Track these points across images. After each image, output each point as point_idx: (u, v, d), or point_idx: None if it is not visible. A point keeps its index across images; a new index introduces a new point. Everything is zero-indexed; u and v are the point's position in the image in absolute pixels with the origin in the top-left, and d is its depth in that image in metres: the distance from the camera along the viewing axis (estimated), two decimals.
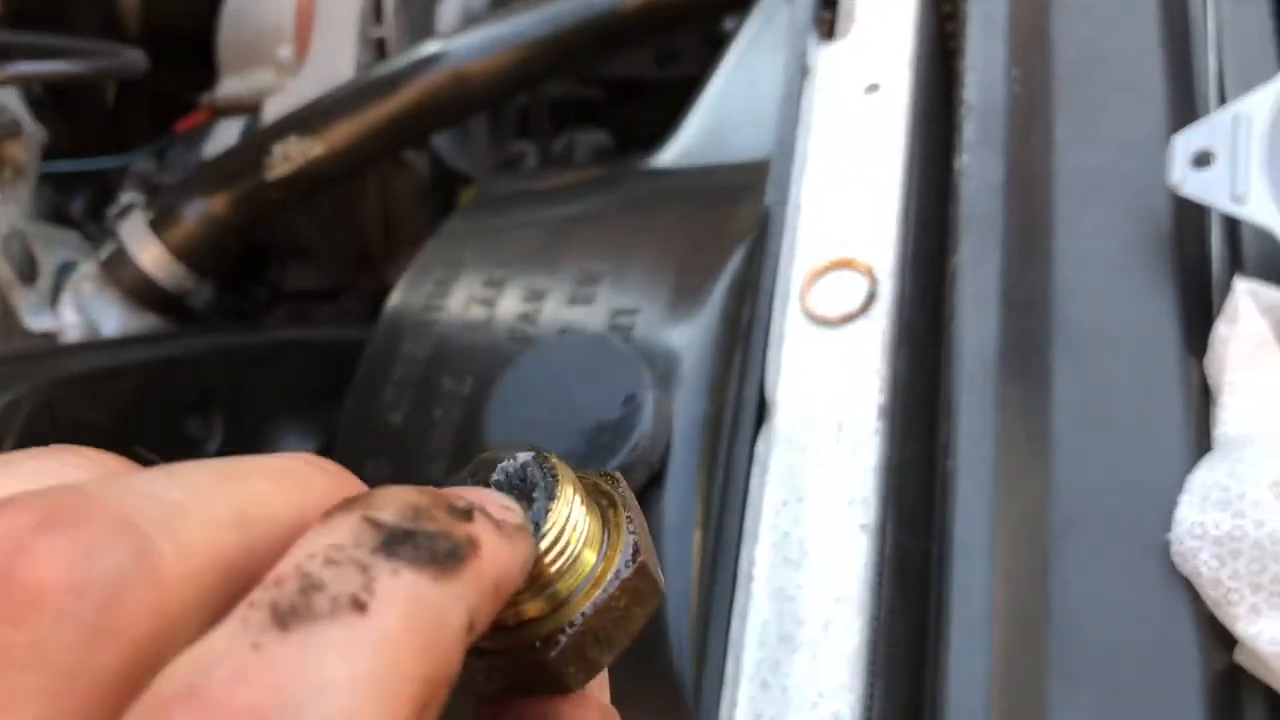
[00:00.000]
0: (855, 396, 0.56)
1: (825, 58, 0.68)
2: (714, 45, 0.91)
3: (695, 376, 0.57)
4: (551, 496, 0.25)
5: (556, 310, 0.61)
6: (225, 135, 0.99)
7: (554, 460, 0.26)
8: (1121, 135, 0.60)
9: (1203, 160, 0.56)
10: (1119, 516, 0.51)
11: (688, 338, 0.59)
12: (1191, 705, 0.48)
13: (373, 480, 0.63)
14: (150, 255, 0.78)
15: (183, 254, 0.79)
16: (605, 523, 0.27)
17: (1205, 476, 0.51)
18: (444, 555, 0.20)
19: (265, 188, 0.79)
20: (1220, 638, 0.49)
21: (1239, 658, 0.49)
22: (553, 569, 0.25)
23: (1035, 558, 0.51)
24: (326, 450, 0.64)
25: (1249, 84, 0.57)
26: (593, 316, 0.60)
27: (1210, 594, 0.48)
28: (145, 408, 0.69)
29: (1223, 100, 0.61)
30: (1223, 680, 0.50)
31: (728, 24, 0.97)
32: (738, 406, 0.58)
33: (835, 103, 0.66)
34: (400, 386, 0.60)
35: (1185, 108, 0.61)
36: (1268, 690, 0.49)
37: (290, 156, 0.77)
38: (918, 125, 0.63)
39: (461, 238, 0.69)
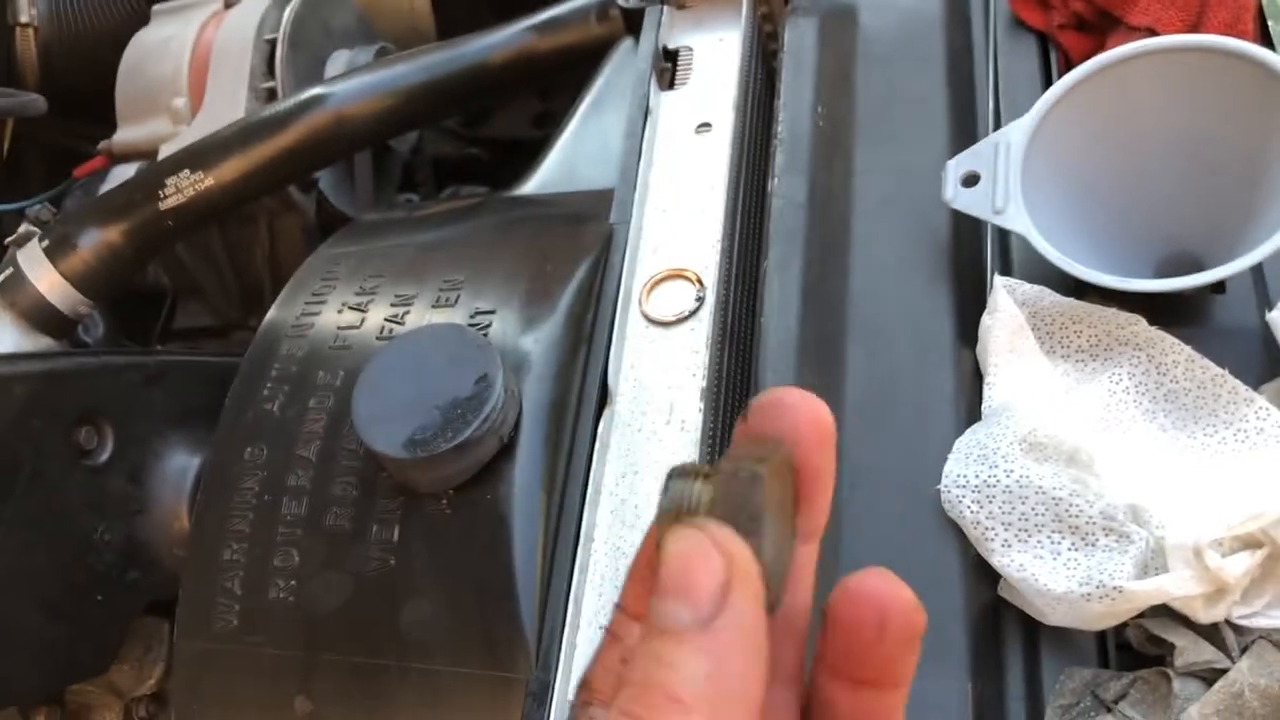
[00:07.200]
0: (684, 384, 0.65)
1: (665, 102, 0.77)
2: None
3: (543, 366, 0.65)
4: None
5: (422, 313, 0.69)
6: (121, 180, 1.04)
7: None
8: (910, 162, 0.70)
9: (971, 180, 0.66)
10: (898, 477, 0.60)
11: (538, 335, 0.66)
12: (958, 633, 0.56)
13: (250, 460, 0.68)
14: (46, 280, 0.83)
15: (77, 280, 0.84)
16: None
17: (969, 438, 0.60)
18: None
19: (158, 217, 0.84)
20: (985, 577, 0.58)
21: (1001, 591, 0.58)
22: None
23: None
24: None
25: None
26: (454, 317, 0.67)
27: (972, 533, 0.57)
28: (35, 416, 0.73)
29: None
30: (986, 613, 0.58)
31: None
32: (581, 394, 0.65)
33: (672, 139, 0.75)
34: (278, 382, 0.67)
35: (965, 140, 0.71)
36: (1025, 617, 0.57)
37: (182, 188, 0.83)
38: (740, 158, 0.73)
39: (335, 258, 0.76)
